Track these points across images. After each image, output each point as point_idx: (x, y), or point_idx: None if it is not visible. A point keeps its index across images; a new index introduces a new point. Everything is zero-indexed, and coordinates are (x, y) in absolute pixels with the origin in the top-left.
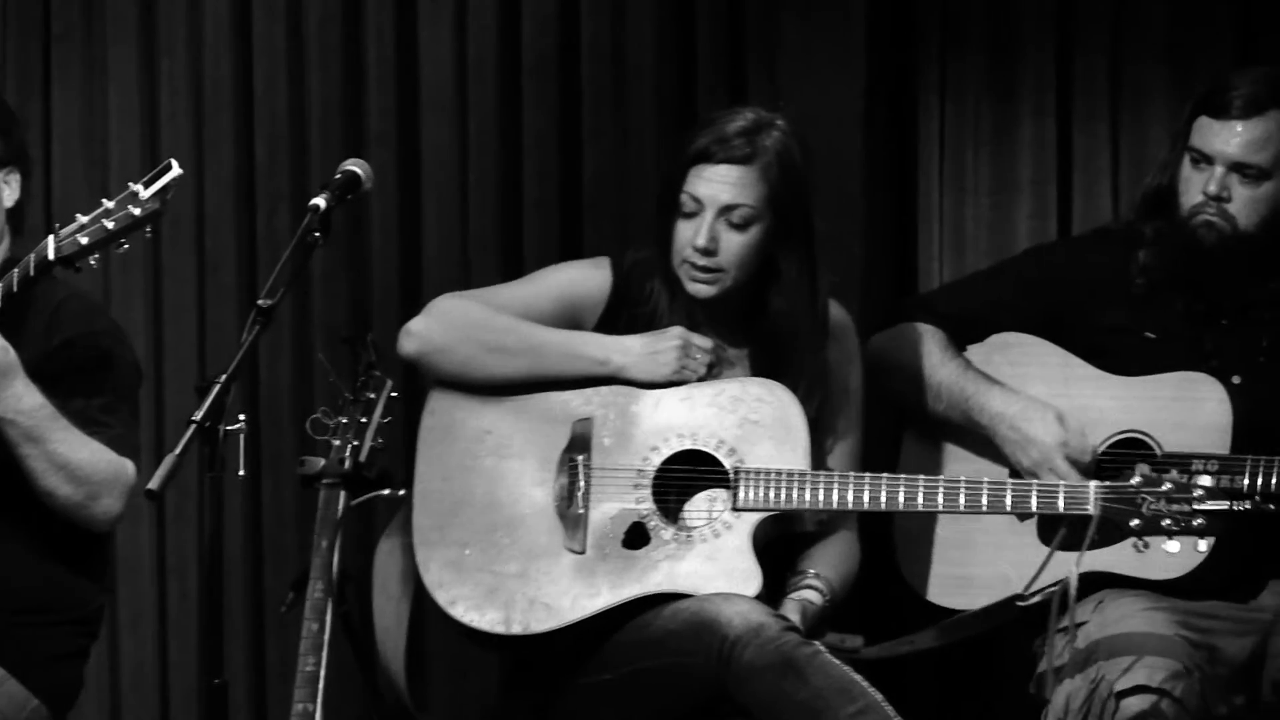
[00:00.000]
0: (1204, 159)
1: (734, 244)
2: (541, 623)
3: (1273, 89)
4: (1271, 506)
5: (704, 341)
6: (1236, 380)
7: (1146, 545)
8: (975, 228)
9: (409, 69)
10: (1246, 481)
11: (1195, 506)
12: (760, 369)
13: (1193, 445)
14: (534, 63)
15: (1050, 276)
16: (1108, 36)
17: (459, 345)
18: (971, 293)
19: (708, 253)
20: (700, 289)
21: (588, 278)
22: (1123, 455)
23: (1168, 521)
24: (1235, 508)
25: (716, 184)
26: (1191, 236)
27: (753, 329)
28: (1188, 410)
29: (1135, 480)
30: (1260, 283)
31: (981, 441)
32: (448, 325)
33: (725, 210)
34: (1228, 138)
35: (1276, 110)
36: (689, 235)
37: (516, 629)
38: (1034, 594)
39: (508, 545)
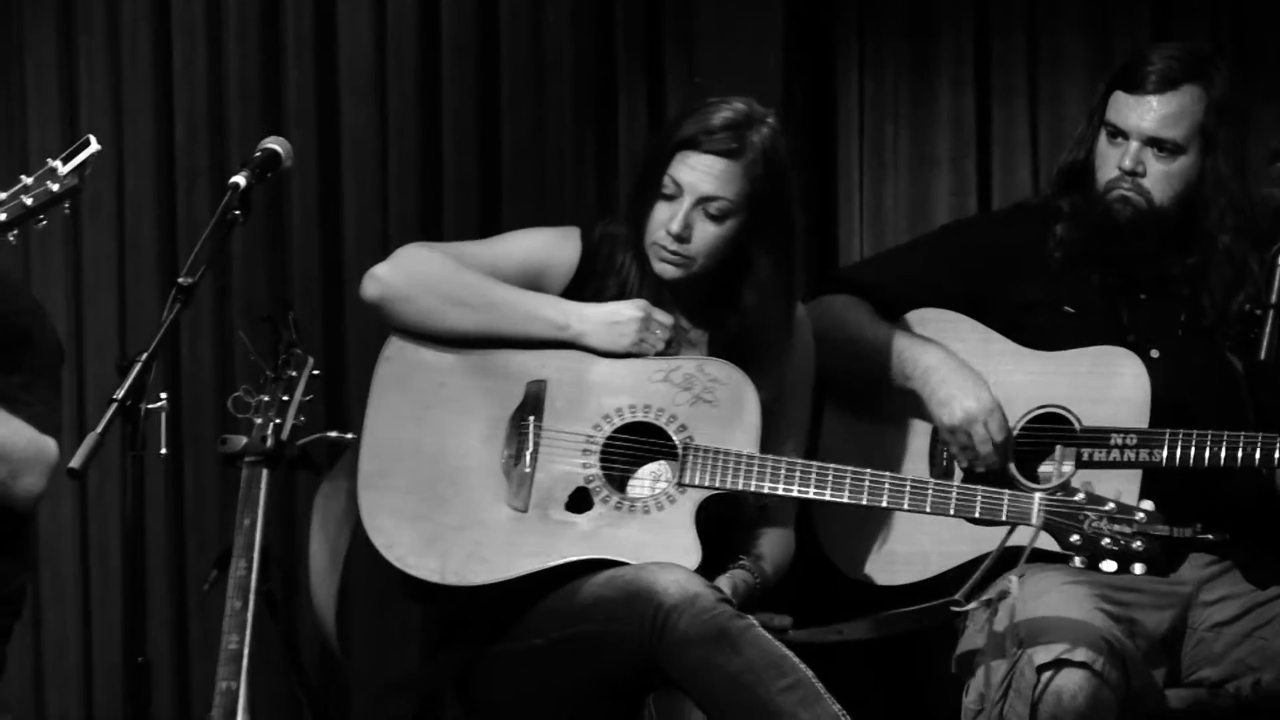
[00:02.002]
0: (1119, 134)
1: (707, 234)
2: (476, 575)
3: (1187, 64)
4: (1210, 537)
5: (665, 317)
6: (1155, 354)
7: (1085, 564)
8: (895, 203)
9: (328, 46)
10: (1165, 454)
11: (1135, 530)
12: (719, 354)
13: (1112, 419)
14: (453, 41)
15: (968, 251)
16: (1025, 10)
17: (421, 295)
18: (891, 267)
19: (681, 239)
20: (667, 269)
21: (557, 246)
22: (1041, 430)
23: (1107, 541)
24: (1176, 534)
25: (699, 173)
26: (1107, 211)
27: (718, 316)
28: (1106, 384)
29: (1079, 497)
30: (1178, 258)
31: (902, 405)
32: (411, 274)
33: (704, 200)
34: (1143, 113)
35: (1191, 85)
36: (664, 218)
37: (452, 579)
38: (970, 601)
39: (451, 496)
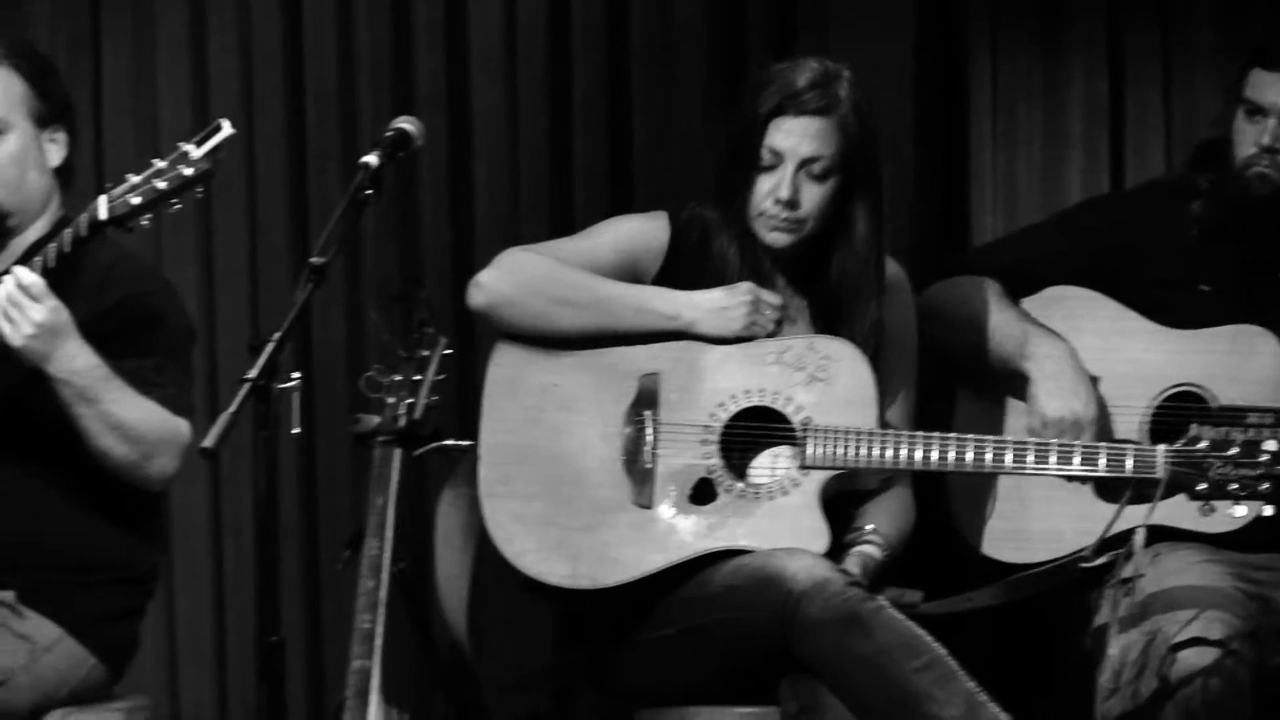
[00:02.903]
0: (1258, 111)
1: (814, 195)
2: (609, 576)
3: None
4: None
5: (773, 298)
6: None
7: (1212, 509)
8: (1028, 181)
9: (458, 30)
10: None
11: (1262, 471)
12: (820, 321)
13: (1247, 398)
14: (584, 24)
15: (1102, 230)
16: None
17: (528, 298)
18: (1024, 246)
19: (791, 204)
20: (780, 238)
21: (646, 230)
22: (1177, 409)
23: (1234, 486)
24: None
25: (796, 136)
26: (1245, 188)
27: (813, 282)
28: (1241, 363)
29: (1202, 445)
30: None
31: (1023, 387)
32: (516, 278)
33: (806, 162)
34: None
35: None
36: (768, 188)
37: (585, 583)
38: (1099, 556)
39: (574, 498)
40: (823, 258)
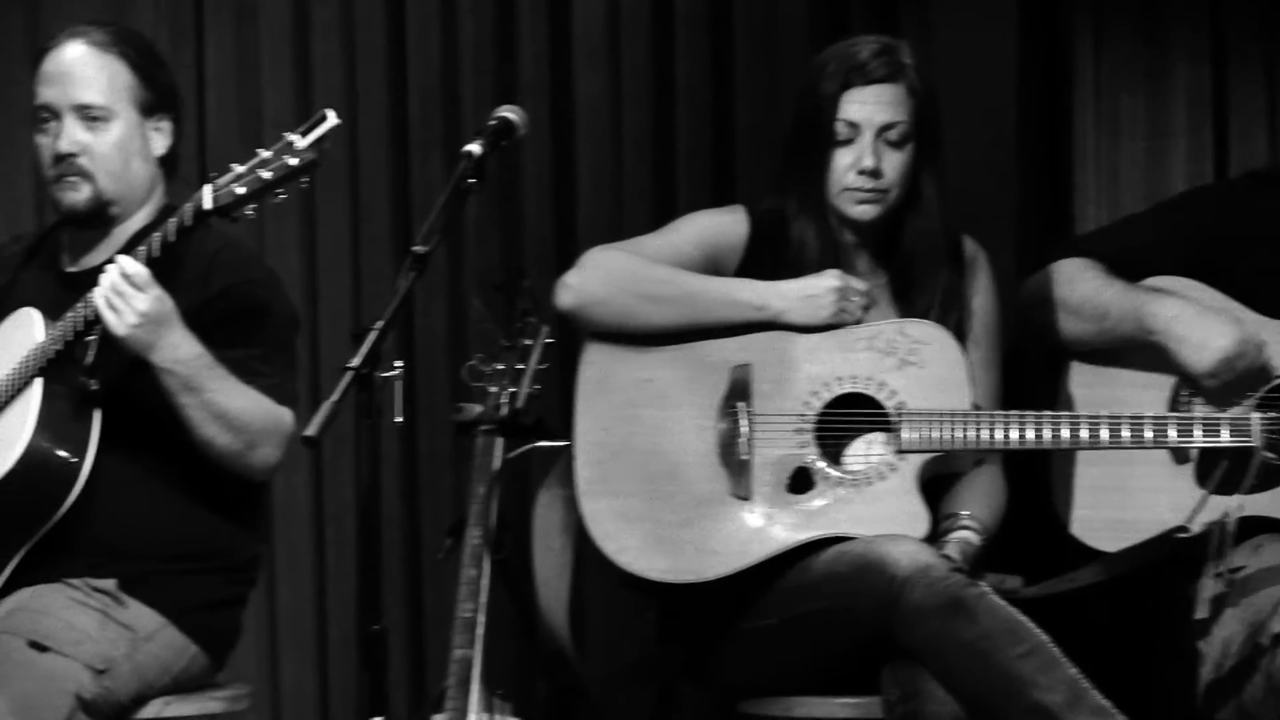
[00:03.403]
0: None
1: (895, 162)
2: (710, 569)
3: None
4: None
5: (859, 284)
6: None
7: None
8: (1131, 171)
9: (561, 17)
10: None
11: None
12: (898, 295)
13: None
14: (686, 10)
15: (1205, 219)
16: None
17: (615, 296)
18: (1129, 234)
19: (875, 174)
20: (866, 210)
21: (725, 224)
22: None
23: None
24: None
25: (870, 105)
26: None
27: (890, 258)
28: None
29: None
30: None
31: (1139, 363)
32: (603, 277)
33: (884, 130)
34: None
35: None
36: (848, 162)
37: (686, 576)
38: (1196, 527)
39: (672, 493)
40: (896, 232)
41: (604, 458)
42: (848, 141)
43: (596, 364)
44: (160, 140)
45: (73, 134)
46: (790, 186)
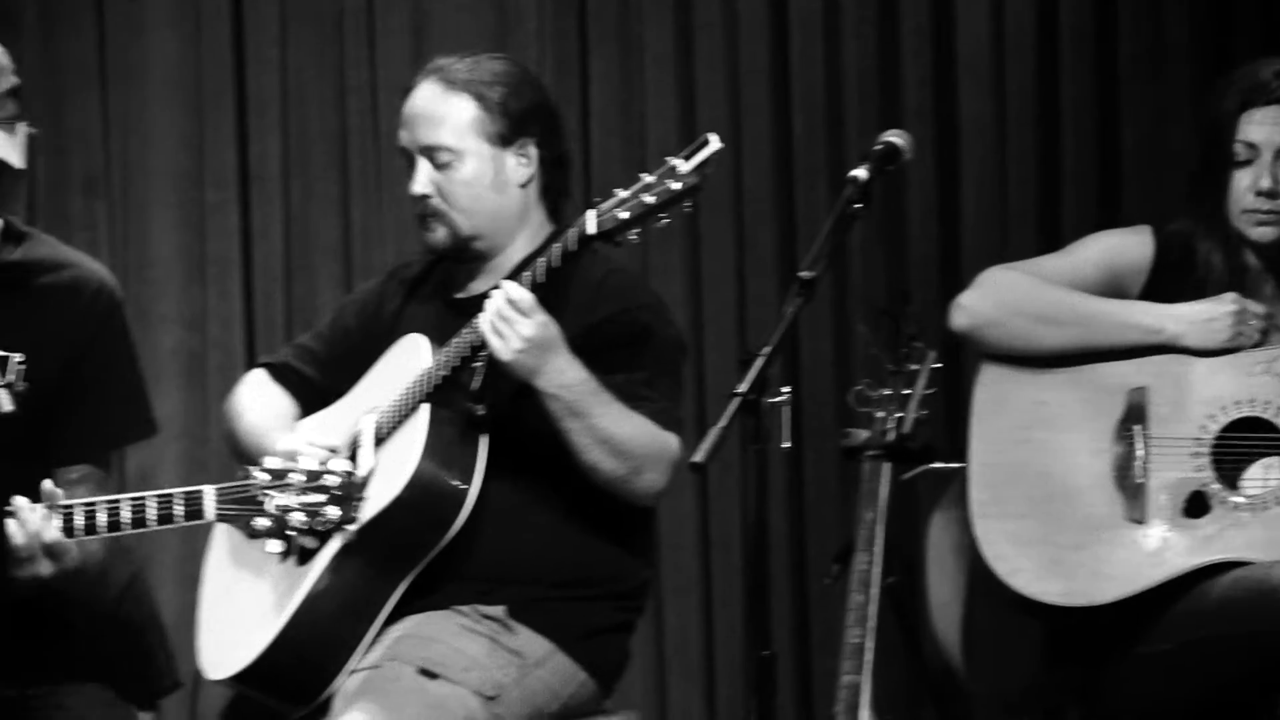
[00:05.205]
0: None
1: None
2: (1103, 593)
3: None
4: None
5: (1258, 307)
6: None
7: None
8: None
9: (946, 39)
10: None
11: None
12: None
13: None
14: (1072, 31)
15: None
16: None
17: (1010, 318)
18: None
19: (1272, 195)
20: (1266, 232)
21: (1129, 246)
22: None
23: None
24: None
25: (1270, 126)
26: None
27: None
28: None
29: None
30: None
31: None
32: (998, 298)
33: None
34: None
35: None
36: (1247, 183)
37: (1079, 600)
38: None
39: (1066, 516)
40: None
41: (997, 480)
42: (1247, 162)
43: (991, 385)
44: (523, 168)
45: (424, 176)
46: (1195, 208)
